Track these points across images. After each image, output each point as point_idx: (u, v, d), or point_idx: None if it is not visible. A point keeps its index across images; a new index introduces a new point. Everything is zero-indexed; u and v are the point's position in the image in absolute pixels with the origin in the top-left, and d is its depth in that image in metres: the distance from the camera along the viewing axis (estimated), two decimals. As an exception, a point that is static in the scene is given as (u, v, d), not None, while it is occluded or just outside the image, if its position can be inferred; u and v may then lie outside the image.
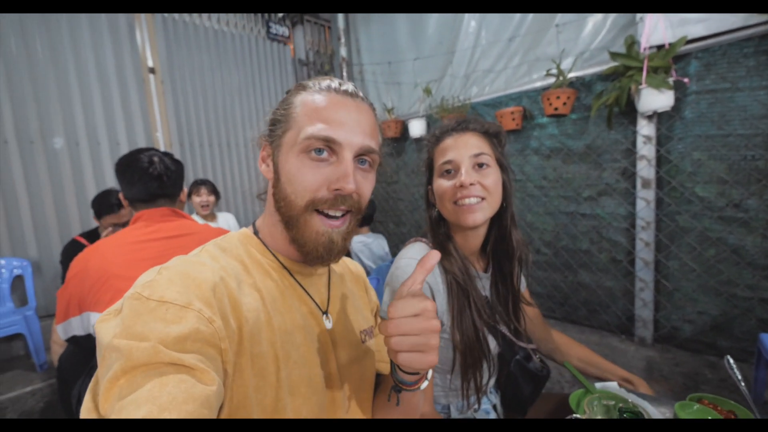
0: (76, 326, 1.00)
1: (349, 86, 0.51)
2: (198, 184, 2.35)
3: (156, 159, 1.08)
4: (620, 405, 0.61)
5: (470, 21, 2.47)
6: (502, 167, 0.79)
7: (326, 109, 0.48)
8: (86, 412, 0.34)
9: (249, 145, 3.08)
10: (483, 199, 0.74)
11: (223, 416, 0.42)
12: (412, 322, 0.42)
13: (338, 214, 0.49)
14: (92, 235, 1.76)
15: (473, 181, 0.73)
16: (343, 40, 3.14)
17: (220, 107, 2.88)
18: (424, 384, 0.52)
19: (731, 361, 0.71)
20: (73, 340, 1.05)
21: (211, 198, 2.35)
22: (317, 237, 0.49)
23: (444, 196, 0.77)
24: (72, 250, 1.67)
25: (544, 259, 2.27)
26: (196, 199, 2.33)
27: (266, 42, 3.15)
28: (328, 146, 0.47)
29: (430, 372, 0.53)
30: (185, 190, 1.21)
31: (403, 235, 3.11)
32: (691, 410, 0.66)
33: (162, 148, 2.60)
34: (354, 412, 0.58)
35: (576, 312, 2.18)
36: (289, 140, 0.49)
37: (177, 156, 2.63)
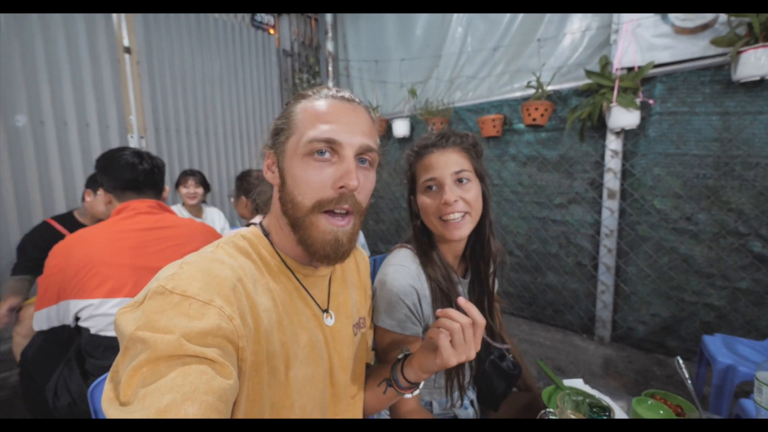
0: (52, 316, 0.97)
1: (346, 93, 0.54)
2: (186, 174, 2.24)
3: (143, 154, 1.10)
4: (588, 400, 0.68)
5: (457, 27, 2.53)
6: (481, 178, 0.83)
7: (325, 113, 0.50)
8: (107, 400, 0.35)
9: (229, 135, 2.99)
10: (466, 213, 0.79)
11: (240, 412, 0.44)
12: (469, 331, 0.51)
13: (342, 211, 0.51)
14: (66, 220, 1.64)
15: (456, 198, 0.77)
16: (330, 34, 3.12)
17: (199, 93, 2.77)
18: (414, 393, 0.60)
19: (681, 361, 0.80)
20: (44, 332, 1.01)
21: (199, 190, 2.23)
22: (324, 236, 0.50)
23: (428, 211, 0.81)
24: (43, 234, 1.55)
25: (516, 261, 2.39)
26: (183, 190, 2.21)
27: (250, 29, 3.06)
28: (330, 147, 0.49)
29: (421, 384, 0.60)
30: (167, 188, 1.20)
31: (382, 233, 3.15)
32: (646, 404, 0.75)
33: (135, 133, 2.48)
34: (352, 404, 0.62)
35: (543, 311, 2.32)
36: (292, 145, 0.51)
37: (152, 142, 2.53)
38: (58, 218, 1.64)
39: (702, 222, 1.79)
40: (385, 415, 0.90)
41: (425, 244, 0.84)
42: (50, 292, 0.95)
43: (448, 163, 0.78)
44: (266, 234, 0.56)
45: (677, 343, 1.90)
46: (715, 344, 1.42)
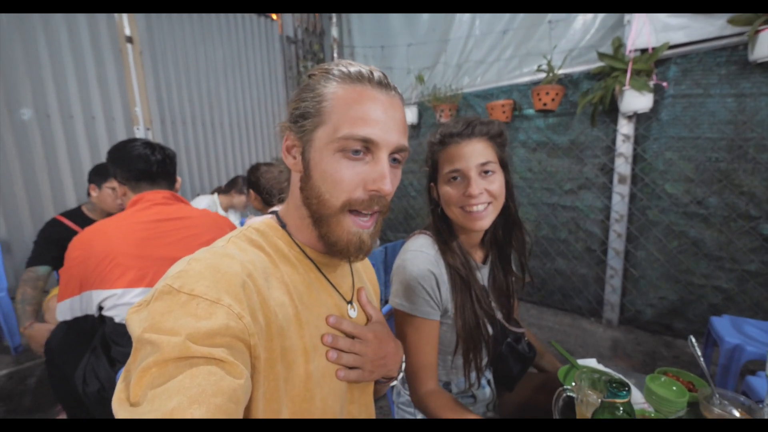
0: (75, 307, 0.99)
1: (381, 75, 0.49)
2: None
3: (155, 145, 1.11)
4: (604, 377, 0.70)
5: (464, 10, 2.48)
6: (505, 167, 0.83)
7: (362, 106, 0.46)
8: (117, 401, 0.35)
9: (234, 125, 2.99)
10: (489, 203, 0.79)
11: (258, 410, 0.44)
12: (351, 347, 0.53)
13: (370, 213, 0.50)
14: (75, 215, 1.66)
15: (481, 190, 0.77)
16: (334, 20, 3.06)
17: (203, 83, 2.75)
18: (393, 383, 0.63)
19: (693, 340, 0.82)
20: (67, 322, 1.04)
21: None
22: (349, 237, 0.49)
23: (450, 201, 0.81)
24: (54, 230, 1.58)
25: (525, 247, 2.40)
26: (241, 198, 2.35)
27: (252, 16, 3.02)
28: (365, 146, 0.47)
29: (401, 375, 0.62)
30: (179, 178, 1.21)
31: (390, 221, 3.17)
32: (659, 381, 0.77)
33: (141, 125, 2.48)
34: (366, 393, 0.62)
35: (552, 296, 2.35)
36: (322, 136, 0.47)
37: (158, 133, 2.54)
38: (67, 214, 1.64)
39: (713, 206, 1.79)
40: (401, 414, 0.93)
41: (445, 232, 0.85)
42: (72, 284, 0.97)
43: (474, 154, 0.77)
44: (283, 224, 0.54)
45: (685, 325, 1.92)
46: (723, 325, 1.44)
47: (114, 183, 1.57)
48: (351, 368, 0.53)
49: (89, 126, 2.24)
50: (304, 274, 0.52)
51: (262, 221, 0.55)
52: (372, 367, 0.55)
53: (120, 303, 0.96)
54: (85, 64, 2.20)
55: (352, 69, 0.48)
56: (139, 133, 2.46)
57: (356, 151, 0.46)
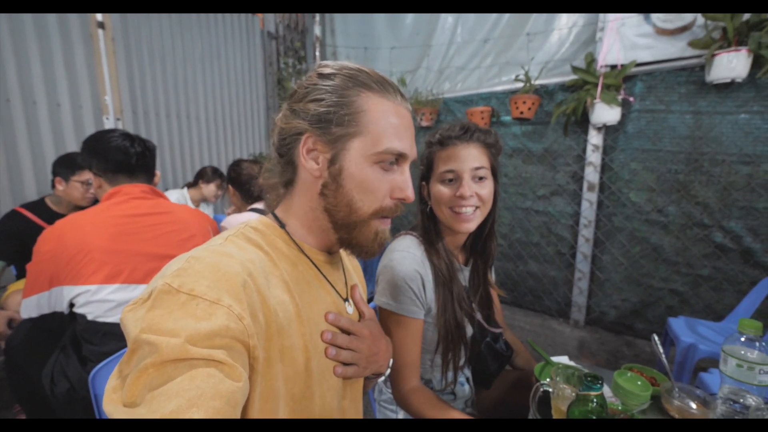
0: (43, 303, 0.94)
1: (399, 87, 0.54)
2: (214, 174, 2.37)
3: (134, 137, 1.07)
4: (576, 372, 0.75)
5: (447, 17, 2.54)
6: (495, 176, 0.87)
7: (396, 122, 0.50)
8: (110, 402, 0.35)
9: (211, 119, 2.89)
10: (477, 208, 0.82)
11: (255, 410, 0.43)
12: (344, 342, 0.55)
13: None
14: (38, 208, 1.55)
15: (472, 193, 0.80)
16: (317, 18, 3.04)
17: (179, 74, 2.65)
18: (380, 378, 0.65)
19: (656, 338, 0.88)
20: (32, 320, 0.98)
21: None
22: (376, 237, 0.52)
23: (441, 201, 0.84)
24: (13, 223, 1.47)
25: (499, 250, 2.48)
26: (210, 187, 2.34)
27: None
28: (397, 158, 0.51)
29: (388, 371, 0.63)
30: (158, 172, 1.17)
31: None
32: (626, 376, 0.83)
33: (111, 115, 2.35)
34: (354, 392, 0.63)
35: (523, 298, 2.44)
36: (361, 147, 0.49)
37: (129, 124, 2.42)
38: (29, 206, 1.54)
39: (672, 214, 1.92)
40: (382, 412, 0.94)
41: (431, 232, 0.87)
42: (41, 279, 0.92)
43: (469, 157, 0.80)
44: (282, 224, 0.55)
45: (644, 326, 2.06)
46: (679, 325, 1.55)
47: (84, 176, 1.50)
48: (347, 365, 0.54)
49: (54, 113, 2.10)
50: (303, 271, 0.53)
51: (258, 221, 0.55)
52: (366, 363, 0.56)
53: (93, 300, 0.92)
54: (51, 48, 2.06)
55: (376, 78, 0.51)
56: (109, 123, 2.33)
57: (391, 163, 0.51)
